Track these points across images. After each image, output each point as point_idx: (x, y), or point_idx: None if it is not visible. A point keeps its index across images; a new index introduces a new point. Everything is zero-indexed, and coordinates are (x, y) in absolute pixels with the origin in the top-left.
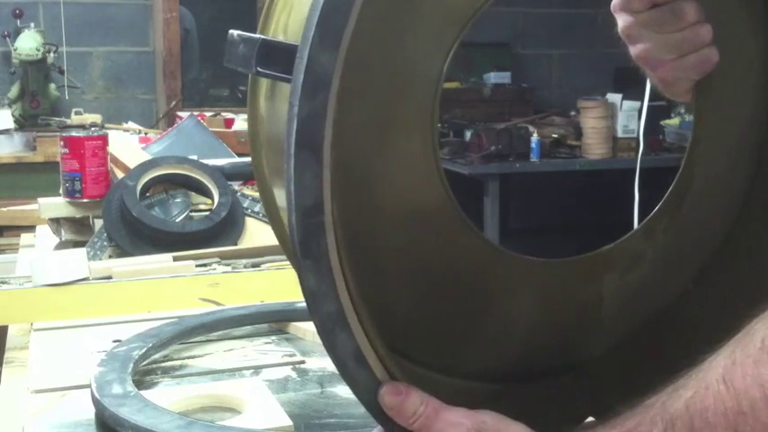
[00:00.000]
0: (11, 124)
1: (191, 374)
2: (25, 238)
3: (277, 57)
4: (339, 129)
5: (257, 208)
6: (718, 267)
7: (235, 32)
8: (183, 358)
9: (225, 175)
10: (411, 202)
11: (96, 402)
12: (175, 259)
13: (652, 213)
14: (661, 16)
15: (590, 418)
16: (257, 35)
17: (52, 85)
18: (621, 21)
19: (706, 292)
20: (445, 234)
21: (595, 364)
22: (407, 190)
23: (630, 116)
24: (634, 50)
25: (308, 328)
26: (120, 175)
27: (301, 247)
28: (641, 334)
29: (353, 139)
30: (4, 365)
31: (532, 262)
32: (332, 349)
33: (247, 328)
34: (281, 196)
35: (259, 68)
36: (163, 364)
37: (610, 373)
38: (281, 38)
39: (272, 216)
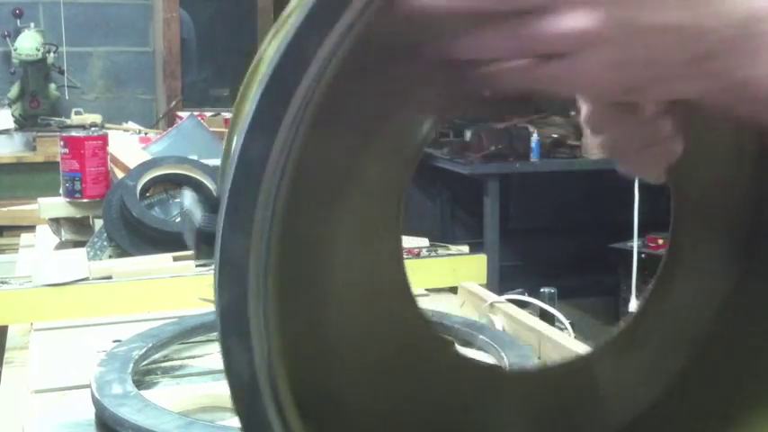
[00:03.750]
0: (11, 124)
1: (191, 374)
2: (25, 238)
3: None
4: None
5: None
6: (716, 344)
7: (185, 202)
8: (183, 358)
9: None
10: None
11: (96, 402)
12: (175, 259)
13: (644, 296)
14: (620, 109)
15: None
16: (197, 220)
17: (52, 85)
18: (584, 108)
19: (706, 373)
20: (414, 348)
21: None
22: (365, 273)
23: None
24: (597, 140)
25: None
26: (120, 175)
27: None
28: (644, 418)
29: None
30: (4, 365)
31: (522, 373)
32: None
33: None
34: None
35: (199, 257)
36: (163, 364)
37: None
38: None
39: None
